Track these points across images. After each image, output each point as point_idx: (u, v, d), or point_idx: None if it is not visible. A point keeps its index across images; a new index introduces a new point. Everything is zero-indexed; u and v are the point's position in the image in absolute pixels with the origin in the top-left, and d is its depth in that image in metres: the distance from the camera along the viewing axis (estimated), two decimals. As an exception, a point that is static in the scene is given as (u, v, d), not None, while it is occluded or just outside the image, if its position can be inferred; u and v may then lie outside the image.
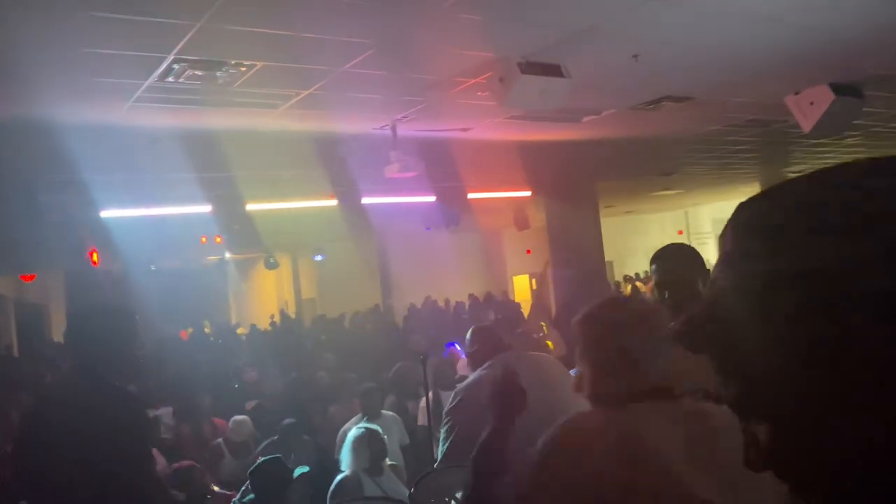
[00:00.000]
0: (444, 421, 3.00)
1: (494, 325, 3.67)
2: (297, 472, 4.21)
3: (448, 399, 6.21)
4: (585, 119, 6.78)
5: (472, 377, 3.18)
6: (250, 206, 8.02)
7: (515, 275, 20.96)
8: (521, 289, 20.36)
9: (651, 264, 2.71)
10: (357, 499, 3.31)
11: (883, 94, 6.59)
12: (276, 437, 5.43)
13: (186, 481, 4.17)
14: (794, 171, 13.43)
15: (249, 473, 4.04)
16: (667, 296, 2.58)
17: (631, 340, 1.57)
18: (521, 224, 11.07)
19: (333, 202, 8.90)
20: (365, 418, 5.55)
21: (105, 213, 7.37)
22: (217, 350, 12.33)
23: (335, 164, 7.36)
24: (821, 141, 9.81)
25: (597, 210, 12.45)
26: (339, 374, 8.10)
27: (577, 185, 11.19)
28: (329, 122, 6.20)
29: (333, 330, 14.09)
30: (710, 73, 5.56)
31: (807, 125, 6.46)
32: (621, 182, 12.71)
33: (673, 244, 2.88)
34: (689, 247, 2.84)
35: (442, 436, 3.02)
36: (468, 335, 3.35)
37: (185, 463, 4.52)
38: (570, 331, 1.69)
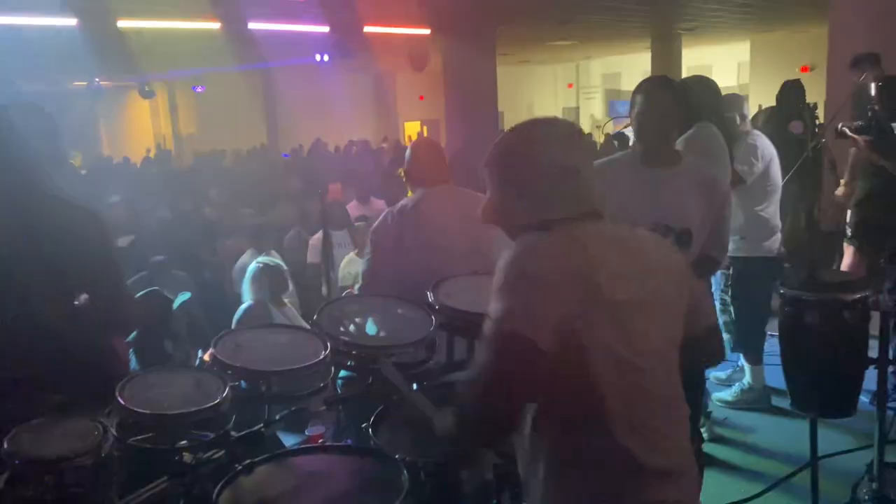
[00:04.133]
0: (370, 239, 3.05)
1: (437, 145, 3.53)
2: (178, 301, 4.13)
3: (338, 240, 6.23)
4: (492, -48, 6.44)
5: (405, 202, 3.13)
6: (122, 24, 7.20)
7: (407, 121, 20.65)
8: (413, 135, 20.16)
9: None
10: (265, 325, 3.28)
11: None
12: (144, 273, 5.22)
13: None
14: (684, 28, 13.62)
15: None
16: None
17: (577, 159, 1.49)
18: (419, 64, 10.72)
19: (216, 25, 8.17)
20: (258, 253, 5.46)
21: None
22: (86, 183, 11.57)
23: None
24: (715, -3, 9.93)
25: (493, 56, 12.23)
26: (227, 210, 7.86)
27: (476, 26, 10.85)
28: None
29: (215, 166, 13.53)
30: None
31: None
32: (520, 28, 12.45)
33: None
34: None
35: (365, 256, 3.08)
36: (408, 150, 3.17)
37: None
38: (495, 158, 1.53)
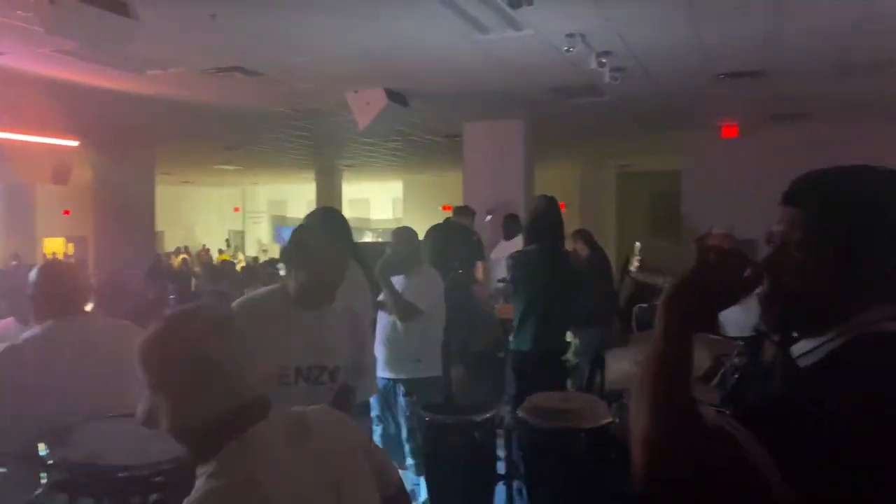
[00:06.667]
0: None
1: (77, 267, 2.92)
2: None
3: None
4: (150, 72, 6.28)
5: (27, 335, 2.59)
6: None
7: (48, 237, 18.38)
8: (58, 251, 17.94)
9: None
10: None
11: (423, 106, 7.63)
12: None
13: None
14: (344, 163, 14.68)
15: None
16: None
17: (217, 352, 1.37)
18: (61, 178, 9.74)
19: None
20: None
21: None
22: None
23: None
24: (369, 140, 10.92)
25: (152, 174, 11.70)
26: None
27: (134, 143, 10.34)
28: None
29: None
30: (281, 51, 5.68)
31: (362, 123, 7.11)
32: (181, 149, 12.20)
33: None
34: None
35: None
36: (33, 273, 2.68)
37: None
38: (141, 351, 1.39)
